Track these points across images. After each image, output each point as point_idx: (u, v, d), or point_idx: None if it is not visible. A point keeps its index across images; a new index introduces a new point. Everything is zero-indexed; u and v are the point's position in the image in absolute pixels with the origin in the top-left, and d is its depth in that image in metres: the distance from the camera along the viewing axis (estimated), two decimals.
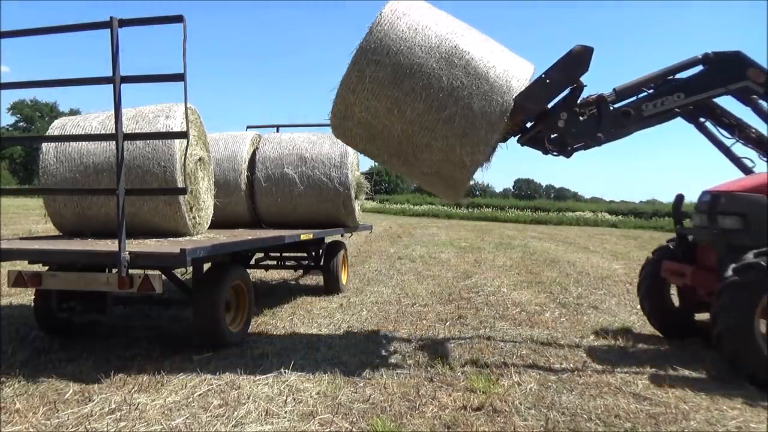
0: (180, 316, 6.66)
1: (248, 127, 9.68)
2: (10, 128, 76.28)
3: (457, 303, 7.90)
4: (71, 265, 4.91)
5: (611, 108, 5.06)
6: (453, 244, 17.62)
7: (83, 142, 5.89)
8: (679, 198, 6.00)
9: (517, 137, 5.25)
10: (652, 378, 4.55)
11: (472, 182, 5.21)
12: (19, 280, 4.71)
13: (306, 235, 7.18)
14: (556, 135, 5.03)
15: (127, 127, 5.73)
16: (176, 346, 5.16)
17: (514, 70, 4.67)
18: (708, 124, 5.47)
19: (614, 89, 5.13)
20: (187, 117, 4.52)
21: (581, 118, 5.02)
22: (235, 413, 3.70)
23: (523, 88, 4.62)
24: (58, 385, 4.17)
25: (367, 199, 9.66)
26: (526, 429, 3.56)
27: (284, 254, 8.71)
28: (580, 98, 5.02)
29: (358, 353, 5.20)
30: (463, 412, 3.77)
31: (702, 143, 6.81)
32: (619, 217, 39.16)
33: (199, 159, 6.49)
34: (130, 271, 4.44)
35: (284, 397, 4.01)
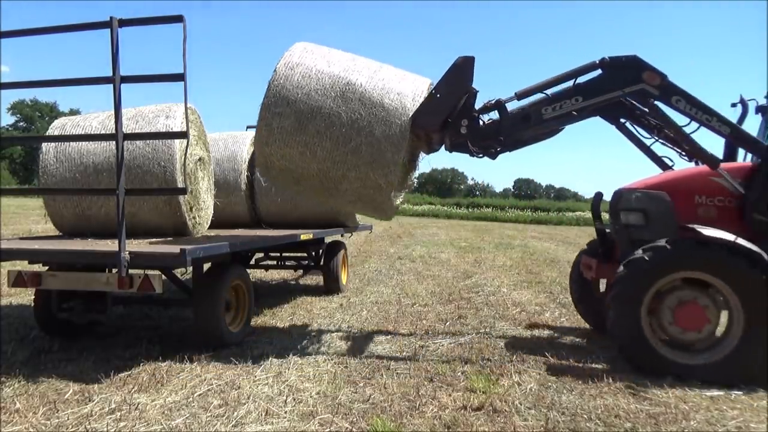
0: (180, 316, 6.66)
1: (248, 127, 9.65)
2: (10, 128, 76.25)
3: (457, 303, 7.90)
4: (71, 265, 4.91)
5: (510, 112, 5.27)
6: (453, 244, 17.63)
7: (83, 142, 5.89)
8: (598, 195, 6.17)
9: (443, 146, 5.56)
10: (652, 378, 4.55)
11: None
12: (19, 280, 4.71)
13: (306, 235, 7.18)
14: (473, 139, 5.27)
15: (127, 127, 5.73)
16: (176, 346, 5.15)
17: (407, 91, 5.05)
18: (628, 124, 5.60)
19: (515, 93, 5.27)
20: (187, 117, 4.52)
21: (483, 123, 5.30)
22: (235, 413, 3.70)
23: (418, 105, 4.98)
24: (58, 385, 4.17)
25: None
26: (526, 429, 3.56)
27: (284, 254, 8.71)
28: (481, 104, 5.29)
29: (358, 353, 5.20)
30: (463, 412, 3.77)
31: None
32: None
33: (199, 159, 6.50)
34: (130, 271, 4.44)
35: (284, 397, 4.01)
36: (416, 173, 5.80)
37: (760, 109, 5.79)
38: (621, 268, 4.74)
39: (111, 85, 4.21)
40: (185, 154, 4.91)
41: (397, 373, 4.62)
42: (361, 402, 3.96)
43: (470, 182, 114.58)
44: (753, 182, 4.94)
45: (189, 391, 4.10)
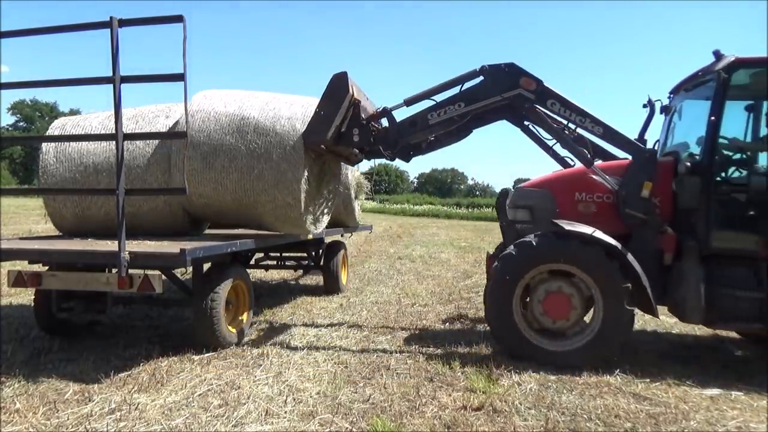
0: (180, 316, 6.66)
1: None
2: (10, 128, 76.23)
3: (457, 303, 7.90)
4: (71, 265, 4.91)
5: (399, 118, 5.60)
6: (453, 244, 17.62)
7: (83, 143, 5.88)
8: (504, 192, 6.33)
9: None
10: (652, 378, 4.55)
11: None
12: (19, 280, 4.70)
13: (306, 235, 7.16)
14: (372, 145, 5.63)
15: (127, 127, 5.74)
16: (176, 346, 5.16)
17: (297, 114, 5.57)
18: (531, 127, 5.76)
19: (404, 100, 5.60)
20: (187, 117, 4.51)
21: (374, 130, 5.60)
22: (235, 413, 3.70)
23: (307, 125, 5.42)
24: (58, 385, 4.16)
25: (367, 199, 9.64)
26: (526, 429, 3.56)
27: (284, 254, 8.70)
28: (371, 112, 5.64)
29: (358, 353, 5.20)
30: (463, 412, 3.77)
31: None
32: None
33: None
34: (130, 271, 4.43)
35: (284, 397, 4.01)
36: (333, 185, 6.37)
37: (663, 109, 5.99)
38: (496, 262, 5.09)
39: (111, 85, 4.21)
40: (185, 154, 4.91)
41: (397, 373, 4.62)
42: (361, 402, 3.96)
43: (470, 182, 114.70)
44: (625, 179, 5.18)
45: (189, 391, 4.10)
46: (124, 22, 4.17)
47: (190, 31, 4.01)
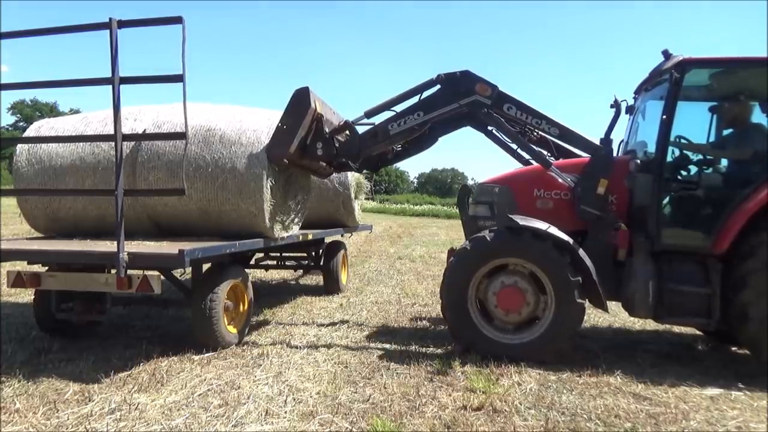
0: (180, 316, 6.65)
1: None
2: (10, 128, 76.10)
3: None
4: (70, 265, 4.90)
5: (361, 130, 5.74)
6: (453, 244, 17.60)
7: (53, 146, 5.84)
8: (465, 188, 6.43)
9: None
10: (652, 378, 4.55)
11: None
12: (18, 280, 4.70)
13: (306, 236, 7.17)
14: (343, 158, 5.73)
15: (96, 129, 5.80)
16: (176, 346, 5.15)
17: (263, 127, 5.64)
18: (494, 131, 5.80)
19: (365, 112, 5.70)
20: (186, 118, 4.48)
21: (337, 143, 5.68)
22: (235, 413, 3.70)
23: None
24: (58, 385, 4.16)
25: (367, 199, 9.64)
26: (526, 429, 3.56)
27: (284, 254, 8.71)
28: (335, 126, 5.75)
29: (358, 353, 5.20)
30: (463, 412, 3.77)
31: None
32: None
33: None
34: (129, 271, 4.43)
35: (284, 397, 4.01)
36: (301, 196, 6.48)
37: (628, 110, 6.02)
38: (452, 258, 5.22)
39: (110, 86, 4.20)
40: (184, 156, 4.91)
41: (397, 373, 4.62)
42: (361, 402, 3.96)
43: (470, 182, 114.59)
44: (581, 177, 5.25)
45: (189, 391, 4.09)
46: (123, 24, 4.16)
47: (190, 31, 4.01)
